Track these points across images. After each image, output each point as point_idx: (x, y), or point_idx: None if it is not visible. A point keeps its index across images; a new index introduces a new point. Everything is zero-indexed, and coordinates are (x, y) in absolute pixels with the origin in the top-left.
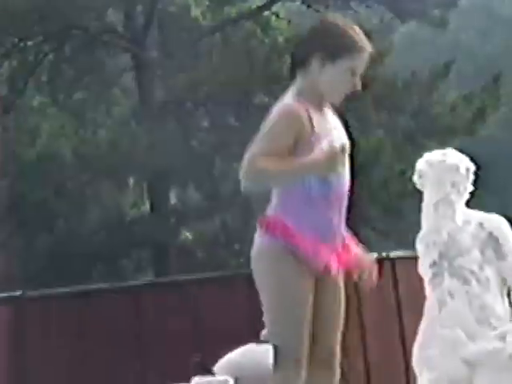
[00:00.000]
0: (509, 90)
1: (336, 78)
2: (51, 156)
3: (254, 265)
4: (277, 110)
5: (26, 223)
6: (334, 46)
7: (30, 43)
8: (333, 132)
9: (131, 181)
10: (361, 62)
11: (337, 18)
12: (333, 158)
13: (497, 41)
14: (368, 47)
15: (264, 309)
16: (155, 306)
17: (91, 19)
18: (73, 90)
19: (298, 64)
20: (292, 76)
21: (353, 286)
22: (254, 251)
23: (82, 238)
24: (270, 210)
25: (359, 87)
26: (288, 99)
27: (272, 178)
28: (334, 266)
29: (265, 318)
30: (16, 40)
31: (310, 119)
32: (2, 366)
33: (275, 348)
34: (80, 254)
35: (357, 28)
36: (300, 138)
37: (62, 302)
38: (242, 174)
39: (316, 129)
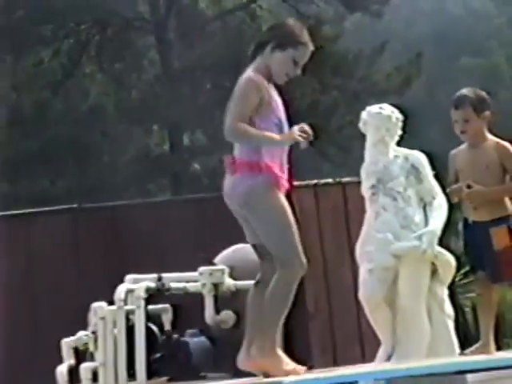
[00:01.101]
0: (427, 64)
1: (281, 63)
2: (98, 109)
3: (251, 200)
4: (243, 81)
5: (81, 158)
6: (284, 38)
7: (82, 27)
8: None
9: (155, 128)
10: (303, 55)
11: (294, 22)
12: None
13: (419, 27)
14: (310, 45)
15: (266, 230)
16: (174, 218)
17: (126, 9)
18: (113, 62)
19: (258, 49)
20: (252, 58)
21: (314, 207)
22: (249, 188)
23: (120, 168)
24: (246, 153)
25: (299, 73)
26: (249, 74)
27: (249, 141)
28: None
29: (267, 237)
30: (73, 24)
31: (267, 88)
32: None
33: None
34: (118, 180)
35: (304, 29)
36: (262, 99)
37: (100, 213)
38: (227, 134)
39: (272, 95)
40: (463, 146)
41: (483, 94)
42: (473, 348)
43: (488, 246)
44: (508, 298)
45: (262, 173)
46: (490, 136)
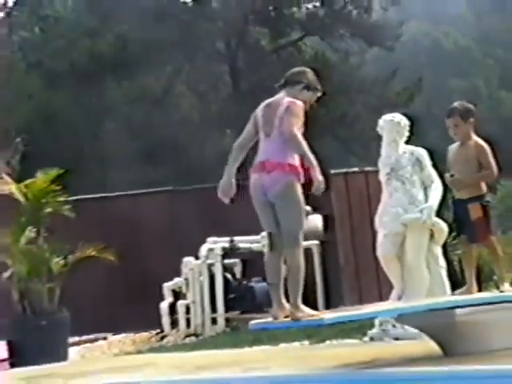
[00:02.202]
0: (426, 85)
1: (305, 98)
2: (187, 118)
3: (286, 194)
4: (293, 103)
5: (176, 153)
6: (310, 83)
7: (177, 58)
8: None
9: (228, 131)
10: (316, 95)
11: (312, 72)
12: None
13: (421, 58)
14: (321, 89)
15: (288, 214)
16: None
17: (208, 46)
18: (198, 84)
19: (290, 83)
20: (281, 87)
21: (345, 189)
22: (286, 185)
23: (204, 161)
24: (282, 157)
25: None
26: (292, 99)
27: (300, 149)
28: None
29: (290, 221)
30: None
31: None
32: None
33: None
34: (202, 170)
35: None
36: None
37: (189, 193)
38: (291, 137)
39: None
40: (456, 144)
41: (469, 105)
42: (460, 290)
43: (467, 217)
44: (483, 255)
45: (293, 172)
46: (474, 137)
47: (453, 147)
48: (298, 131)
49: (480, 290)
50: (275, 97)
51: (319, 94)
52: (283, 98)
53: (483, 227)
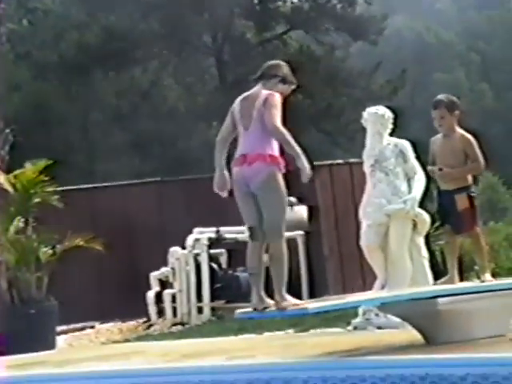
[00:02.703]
0: (409, 78)
1: (281, 91)
2: (174, 110)
3: (269, 185)
4: (271, 95)
5: (162, 144)
6: (286, 77)
7: (164, 52)
8: None
9: (214, 123)
10: (292, 87)
11: (288, 66)
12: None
13: (404, 52)
14: (295, 82)
15: (271, 204)
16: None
17: (194, 39)
18: (185, 76)
19: (265, 77)
20: (257, 80)
21: (329, 181)
22: (267, 176)
23: (190, 151)
24: (261, 149)
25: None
26: (270, 92)
27: (285, 141)
28: None
29: (273, 212)
30: (156, 50)
31: None
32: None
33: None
34: (189, 160)
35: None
36: None
37: (176, 184)
38: (274, 131)
39: None
40: (439, 135)
41: (454, 98)
42: (442, 280)
43: (453, 208)
44: (465, 245)
45: (274, 162)
46: (458, 129)
47: (437, 139)
48: (279, 121)
49: (461, 280)
50: (252, 90)
51: (294, 87)
52: (260, 90)
53: (469, 218)
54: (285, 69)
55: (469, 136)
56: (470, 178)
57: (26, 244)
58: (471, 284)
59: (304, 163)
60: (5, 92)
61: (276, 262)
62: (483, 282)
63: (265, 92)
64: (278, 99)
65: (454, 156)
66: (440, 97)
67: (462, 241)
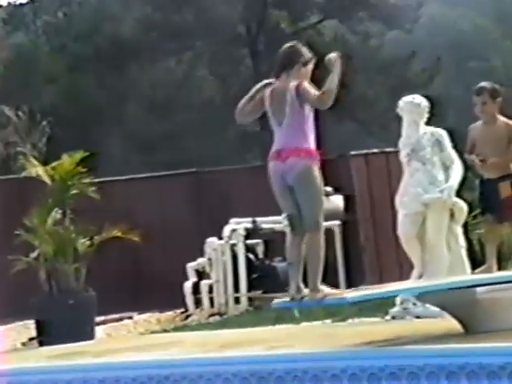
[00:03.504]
0: (445, 66)
1: (306, 74)
2: (208, 100)
3: (305, 177)
4: (298, 87)
5: (198, 135)
6: (305, 60)
7: (198, 43)
8: None
9: None
10: (313, 62)
11: (302, 46)
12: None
13: (439, 39)
14: (313, 56)
15: (308, 196)
16: (262, 179)
17: (229, 30)
18: (219, 67)
19: (288, 66)
20: (282, 69)
21: (365, 170)
22: (304, 169)
23: (225, 142)
24: (297, 143)
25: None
26: (295, 82)
27: (333, 94)
28: None
29: (310, 204)
30: (190, 42)
31: None
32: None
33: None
34: (224, 151)
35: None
36: None
37: (212, 175)
38: (325, 104)
39: None
40: (479, 123)
41: (497, 85)
42: (480, 269)
43: (496, 196)
44: (503, 234)
45: (309, 156)
46: (500, 117)
47: (477, 126)
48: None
49: (499, 269)
50: (279, 83)
51: (314, 61)
52: (287, 83)
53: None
54: (302, 50)
55: (510, 122)
56: None
57: (64, 235)
58: (510, 273)
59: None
60: (41, 84)
61: (313, 254)
62: None
63: (292, 84)
64: (306, 85)
65: (496, 143)
66: (483, 84)
67: (502, 230)
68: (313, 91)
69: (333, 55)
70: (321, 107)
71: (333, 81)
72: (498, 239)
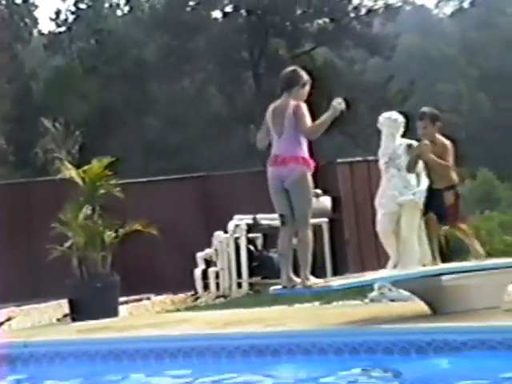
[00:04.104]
0: (417, 88)
1: (304, 95)
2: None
3: (301, 183)
4: (299, 105)
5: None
6: (304, 82)
7: (208, 66)
8: None
9: (252, 126)
10: (309, 84)
11: (301, 70)
12: (338, 110)
13: (413, 65)
14: (310, 78)
15: (301, 198)
16: (263, 183)
17: (234, 55)
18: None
19: (289, 86)
20: (283, 90)
21: (350, 176)
22: (299, 176)
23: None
24: (294, 152)
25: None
26: (295, 101)
27: (320, 131)
28: None
29: (301, 206)
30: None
31: None
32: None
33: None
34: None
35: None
36: None
37: (219, 178)
38: (311, 136)
39: None
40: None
41: (436, 111)
42: (426, 262)
43: (442, 203)
44: (452, 233)
45: (305, 163)
46: (439, 137)
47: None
48: (311, 126)
49: (447, 261)
50: (280, 101)
51: (310, 82)
52: (287, 101)
53: (454, 212)
54: (300, 73)
55: (446, 142)
56: (455, 178)
57: (93, 228)
58: (470, 263)
59: (331, 113)
60: (75, 100)
61: (303, 246)
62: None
63: (292, 103)
64: (304, 107)
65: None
66: (424, 109)
67: (449, 230)
68: (305, 120)
69: (338, 100)
70: (308, 138)
71: (326, 119)
72: (439, 236)
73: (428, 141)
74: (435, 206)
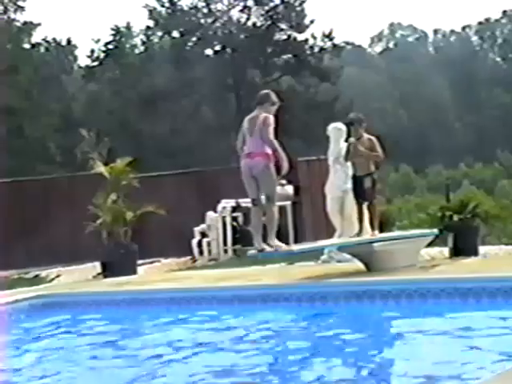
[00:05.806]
0: (356, 106)
1: (272, 111)
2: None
3: (265, 172)
4: (267, 117)
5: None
6: (274, 101)
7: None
8: None
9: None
10: (277, 105)
11: (273, 92)
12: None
13: (353, 89)
14: (279, 101)
15: (266, 184)
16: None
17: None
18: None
19: (262, 102)
20: (256, 105)
21: (307, 171)
22: (264, 166)
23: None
24: (260, 149)
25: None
26: (266, 114)
27: (275, 150)
28: None
29: (268, 188)
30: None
31: None
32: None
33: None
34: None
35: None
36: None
37: (206, 173)
38: (269, 144)
39: None
40: (353, 139)
41: (361, 114)
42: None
43: (362, 186)
44: (388, 210)
45: (269, 158)
46: (365, 135)
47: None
48: (272, 136)
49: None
50: (254, 113)
51: (278, 105)
52: (259, 113)
53: (371, 193)
54: (272, 95)
55: (372, 138)
56: (372, 167)
57: (118, 210)
58: (394, 233)
59: (284, 162)
60: (104, 116)
61: (270, 221)
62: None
63: (263, 115)
64: (271, 119)
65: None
66: (352, 116)
67: (384, 208)
68: (269, 130)
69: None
70: (265, 143)
71: (281, 154)
72: (365, 214)
73: (356, 139)
74: (357, 188)
